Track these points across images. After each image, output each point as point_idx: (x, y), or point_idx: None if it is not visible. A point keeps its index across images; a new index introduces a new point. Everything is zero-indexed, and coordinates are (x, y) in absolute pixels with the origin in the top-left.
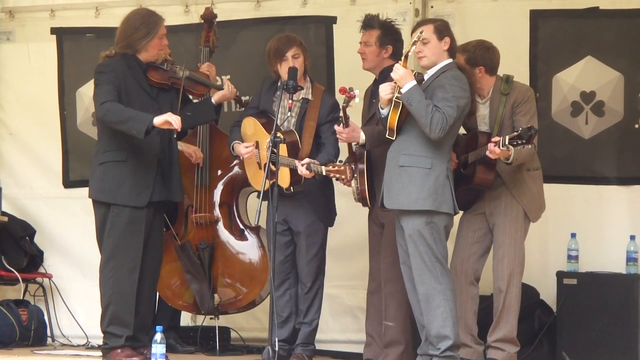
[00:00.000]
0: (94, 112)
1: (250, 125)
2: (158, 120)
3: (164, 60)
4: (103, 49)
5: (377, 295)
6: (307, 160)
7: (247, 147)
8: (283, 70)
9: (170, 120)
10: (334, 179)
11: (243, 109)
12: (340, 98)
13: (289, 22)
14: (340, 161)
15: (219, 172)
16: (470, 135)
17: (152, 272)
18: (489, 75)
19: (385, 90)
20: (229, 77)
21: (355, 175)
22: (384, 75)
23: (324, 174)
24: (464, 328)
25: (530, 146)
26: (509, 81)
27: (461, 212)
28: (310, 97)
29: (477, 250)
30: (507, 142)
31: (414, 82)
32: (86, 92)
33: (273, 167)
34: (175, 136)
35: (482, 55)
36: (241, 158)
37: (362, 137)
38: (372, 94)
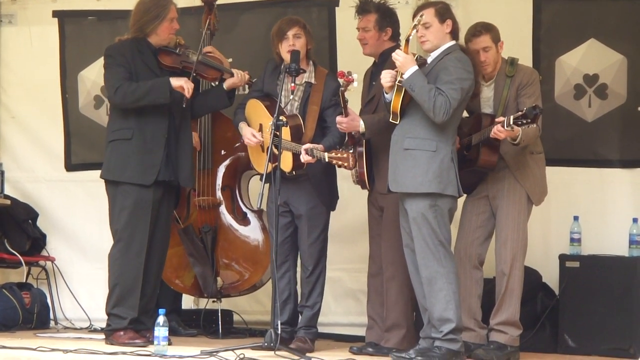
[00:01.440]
0: (96, 95)
1: (254, 108)
2: (175, 83)
3: (176, 44)
4: (104, 32)
5: (378, 278)
6: (309, 145)
7: (254, 136)
8: (284, 50)
9: (185, 86)
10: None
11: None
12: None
13: (291, 5)
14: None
15: (223, 153)
16: (474, 118)
17: (159, 255)
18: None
19: (385, 78)
20: (230, 60)
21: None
22: (384, 58)
23: (327, 160)
24: (468, 312)
25: (535, 125)
26: (514, 64)
27: (465, 196)
28: (313, 80)
29: (480, 235)
30: (511, 122)
31: (416, 67)
32: (88, 76)
33: (276, 151)
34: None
35: (498, 32)
36: (243, 140)
37: (362, 125)
38: (371, 75)
